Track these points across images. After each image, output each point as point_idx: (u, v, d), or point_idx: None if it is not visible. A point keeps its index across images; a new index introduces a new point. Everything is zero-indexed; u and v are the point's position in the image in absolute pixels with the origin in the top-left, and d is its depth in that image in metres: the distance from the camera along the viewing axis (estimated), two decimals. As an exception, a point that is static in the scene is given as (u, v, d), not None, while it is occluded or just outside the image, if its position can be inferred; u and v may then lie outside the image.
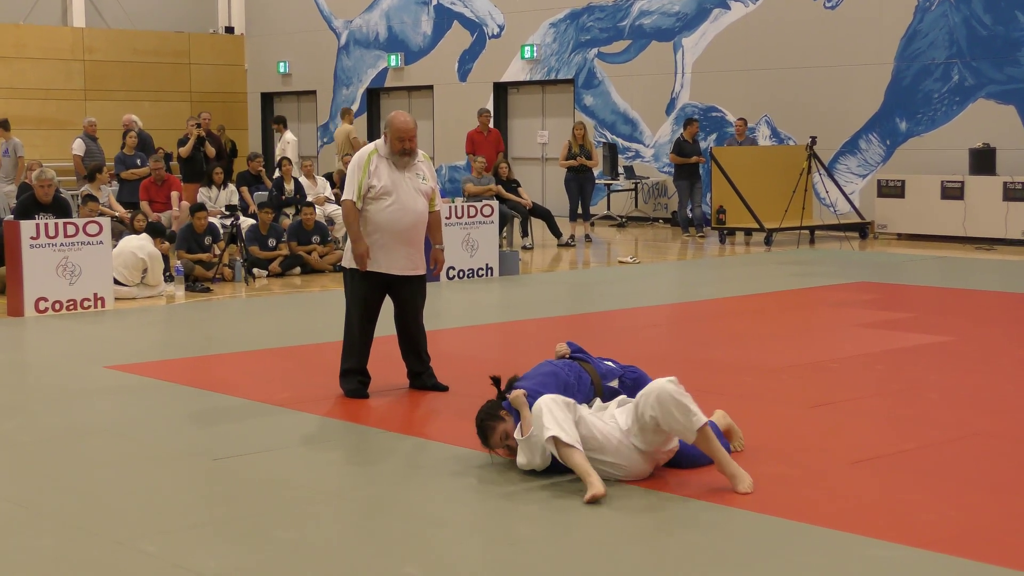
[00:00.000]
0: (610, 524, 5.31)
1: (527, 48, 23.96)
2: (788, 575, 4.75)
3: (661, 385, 5.76)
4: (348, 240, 7.92)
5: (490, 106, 24.07)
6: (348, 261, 7.90)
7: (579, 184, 18.65)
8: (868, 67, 19.29)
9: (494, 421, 6.14)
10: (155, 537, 5.18)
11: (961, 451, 6.47)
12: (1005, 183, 17.32)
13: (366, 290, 7.93)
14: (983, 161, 17.67)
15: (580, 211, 18.70)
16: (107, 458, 6.52)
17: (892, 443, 6.61)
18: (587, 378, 6.52)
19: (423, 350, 8.18)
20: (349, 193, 7.78)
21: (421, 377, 8.13)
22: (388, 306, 8.11)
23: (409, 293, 8.05)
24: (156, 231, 13.26)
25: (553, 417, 5.79)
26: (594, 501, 5.52)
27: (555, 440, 5.72)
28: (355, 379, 7.96)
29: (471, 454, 6.42)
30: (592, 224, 20.08)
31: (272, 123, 21.18)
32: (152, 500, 5.74)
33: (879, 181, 18.74)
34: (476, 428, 6.21)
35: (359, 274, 7.85)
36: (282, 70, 28.83)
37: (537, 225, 18.46)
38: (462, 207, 14.22)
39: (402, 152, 7.78)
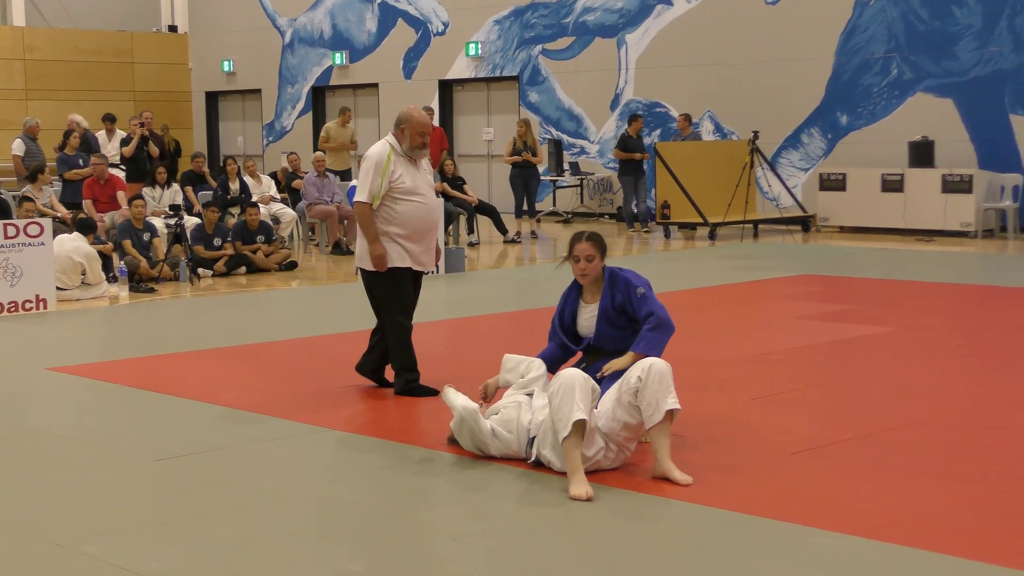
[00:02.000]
0: (550, 518, 5.31)
1: (472, 45, 23.94)
2: (731, 565, 4.77)
3: (655, 360, 5.86)
4: (360, 242, 7.74)
5: (435, 104, 24.05)
6: (368, 263, 7.72)
7: (524, 180, 18.66)
8: (809, 62, 19.43)
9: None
10: (96, 538, 5.12)
11: (901, 440, 6.53)
12: (944, 175, 17.51)
13: (406, 286, 7.84)
14: (922, 154, 17.86)
15: (525, 207, 18.70)
16: (49, 460, 6.45)
17: (833, 433, 6.66)
18: None
19: None
20: (364, 195, 7.60)
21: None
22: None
23: (419, 287, 8.07)
24: (86, 227, 13.13)
25: (583, 398, 5.66)
26: (577, 499, 5.50)
27: (580, 424, 5.60)
28: (417, 374, 7.83)
29: (415, 451, 6.41)
30: (538, 220, 20.08)
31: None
32: (94, 501, 5.68)
33: (821, 175, 18.89)
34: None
35: (398, 273, 7.71)
36: (226, 69, 28.63)
37: (483, 222, 18.44)
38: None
39: (422, 145, 7.72)
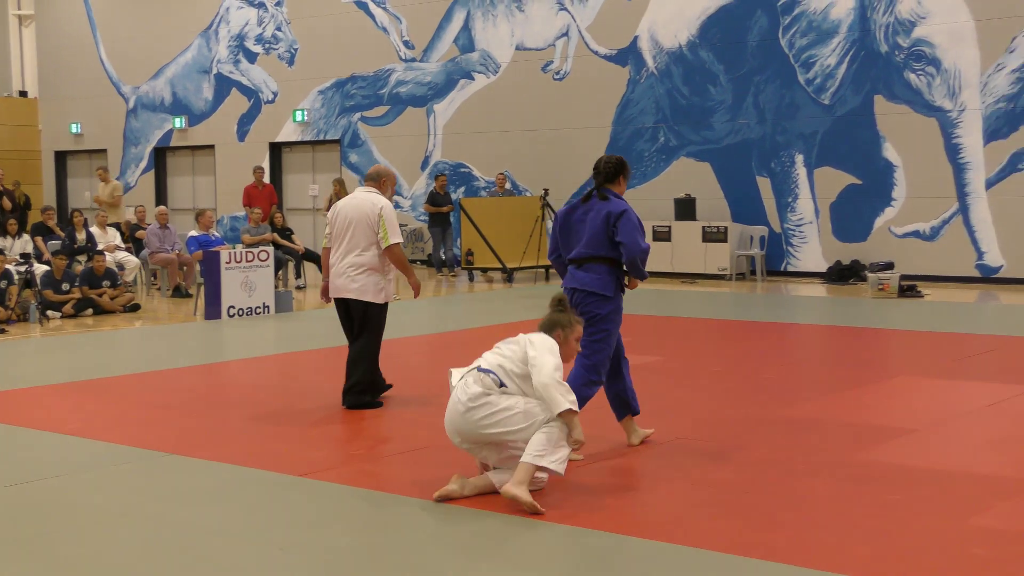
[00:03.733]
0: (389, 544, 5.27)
1: (298, 112, 23.73)
2: (516, 567, 4.80)
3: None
4: (371, 277, 7.99)
5: (265, 163, 23.79)
6: (383, 297, 8.07)
7: None
8: (591, 129, 19.88)
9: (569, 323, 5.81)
10: (-51, 560, 4.87)
11: (668, 453, 6.68)
12: (704, 227, 18.10)
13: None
14: (686, 209, 18.42)
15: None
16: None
17: (612, 449, 6.76)
18: None
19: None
20: (398, 238, 8.04)
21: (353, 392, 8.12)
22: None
23: None
24: None
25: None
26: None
27: (569, 413, 5.42)
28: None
29: (266, 475, 6.29)
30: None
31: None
32: (-54, 526, 5.40)
33: (602, 226, 19.22)
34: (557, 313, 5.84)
35: (385, 306, 8.11)
36: (74, 130, 27.70)
37: (309, 268, 18.26)
38: (241, 253, 13.95)
39: (391, 196, 8.27)
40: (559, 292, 6.04)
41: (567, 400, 5.43)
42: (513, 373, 5.62)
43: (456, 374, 5.85)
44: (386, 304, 8.12)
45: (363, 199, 8.07)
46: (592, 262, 6.48)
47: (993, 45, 16.45)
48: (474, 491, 5.63)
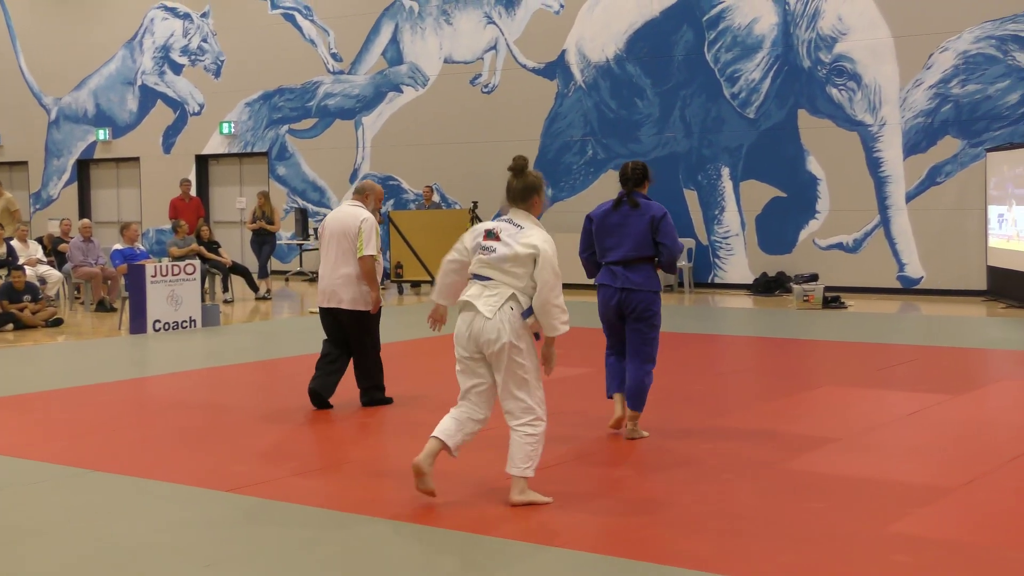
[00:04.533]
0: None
1: (225, 124, 23.54)
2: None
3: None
4: (360, 287, 8.31)
5: (192, 176, 23.55)
6: (365, 305, 8.38)
7: (260, 245, 18.61)
8: (520, 142, 19.95)
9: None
10: None
11: (599, 463, 6.71)
12: (632, 239, 18.19)
13: None
14: (614, 221, 18.50)
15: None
16: None
17: (542, 459, 6.76)
18: None
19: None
20: (374, 250, 8.28)
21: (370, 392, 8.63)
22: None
23: None
24: None
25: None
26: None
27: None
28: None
29: (192, 491, 6.20)
30: (267, 279, 19.21)
31: None
32: None
33: (531, 239, 19.29)
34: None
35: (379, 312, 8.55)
36: (-6, 142, 27.22)
37: (237, 281, 18.08)
38: (167, 266, 13.78)
39: (376, 210, 8.59)
40: (516, 159, 6.08)
41: (561, 325, 5.78)
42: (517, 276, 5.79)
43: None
44: (379, 311, 8.53)
45: (347, 212, 8.44)
46: (639, 262, 7.14)
47: (911, 61, 16.81)
48: (430, 457, 5.74)
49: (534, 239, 5.77)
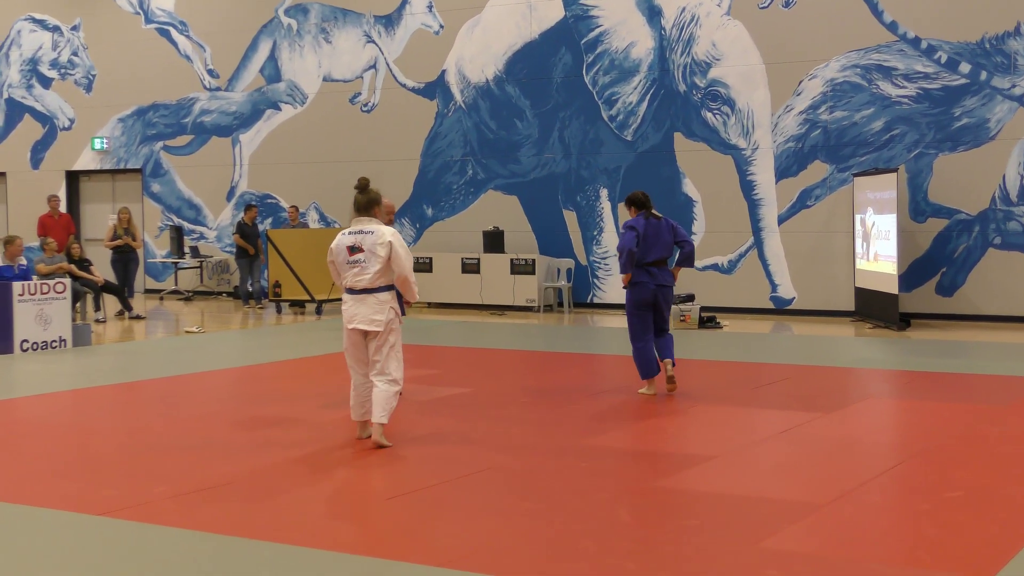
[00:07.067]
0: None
1: (97, 140, 22.99)
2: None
3: None
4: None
5: (62, 192, 22.95)
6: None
7: (123, 263, 18.24)
8: (400, 162, 19.91)
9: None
10: None
11: (477, 484, 6.73)
12: (512, 259, 18.33)
13: None
14: (494, 241, 18.63)
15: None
16: None
17: (420, 480, 6.78)
18: None
19: None
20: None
21: None
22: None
23: None
24: None
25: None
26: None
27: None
28: None
29: (60, 515, 6.02)
30: (130, 298, 18.70)
31: None
32: None
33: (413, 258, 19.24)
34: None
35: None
36: None
37: (109, 300, 17.64)
38: (36, 285, 13.38)
39: (389, 223, 8.98)
40: (361, 179, 7.97)
41: (416, 292, 7.85)
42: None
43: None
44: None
45: (386, 229, 8.50)
46: (663, 263, 9.76)
47: (782, 87, 17.27)
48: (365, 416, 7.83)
49: (385, 236, 7.65)
